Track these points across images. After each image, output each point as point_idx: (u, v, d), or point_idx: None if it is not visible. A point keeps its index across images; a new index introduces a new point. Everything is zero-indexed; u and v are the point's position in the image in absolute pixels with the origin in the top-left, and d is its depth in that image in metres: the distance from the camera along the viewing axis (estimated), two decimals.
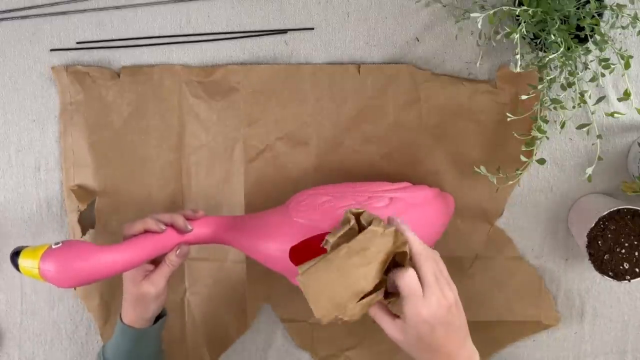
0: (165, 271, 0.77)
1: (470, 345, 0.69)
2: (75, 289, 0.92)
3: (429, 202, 0.81)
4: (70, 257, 0.69)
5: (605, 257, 0.81)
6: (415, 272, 0.65)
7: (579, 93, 0.79)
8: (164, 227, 0.75)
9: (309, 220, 0.75)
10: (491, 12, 0.76)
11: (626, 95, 0.78)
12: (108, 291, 0.92)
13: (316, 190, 0.79)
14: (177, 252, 0.76)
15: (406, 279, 0.64)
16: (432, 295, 0.64)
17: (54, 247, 0.70)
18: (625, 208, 0.80)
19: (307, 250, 0.73)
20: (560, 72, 0.78)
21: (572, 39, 0.76)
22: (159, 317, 0.82)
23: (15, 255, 0.70)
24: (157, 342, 0.82)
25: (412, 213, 0.77)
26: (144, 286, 0.76)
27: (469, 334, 0.69)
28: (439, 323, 0.65)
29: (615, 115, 0.81)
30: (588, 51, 0.78)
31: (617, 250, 0.81)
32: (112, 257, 0.71)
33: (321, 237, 0.72)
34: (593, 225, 0.80)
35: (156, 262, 0.78)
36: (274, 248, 0.75)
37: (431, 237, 0.81)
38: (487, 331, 0.91)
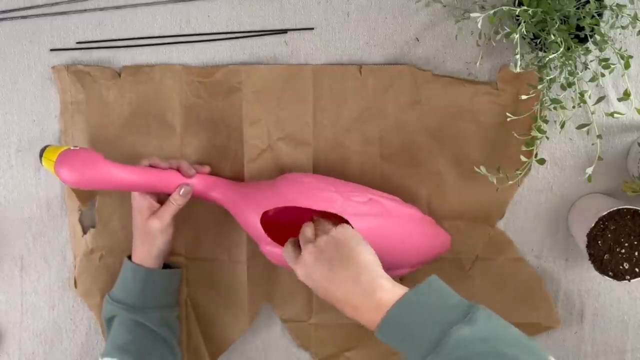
0: (171, 208, 0.83)
1: (366, 279, 0.65)
2: (76, 286, 0.92)
3: (411, 220, 0.83)
4: (82, 162, 0.77)
5: (605, 257, 0.81)
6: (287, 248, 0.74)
7: (579, 93, 0.79)
8: (167, 165, 0.83)
9: (288, 192, 0.79)
10: (491, 12, 0.76)
11: (626, 95, 0.78)
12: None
13: (305, 174, 0.85)
14: (181, 191, 0.82)
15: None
16: (301, 257, 0.71)
17: (72, 149, 0.78)
18: (625, 208, 0.80)
19: (277, 218, 0.81)
20: (560, 72, 0.78)
21: (572, 39, 0.77)
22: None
23: (42, 150, 0.79)
24: (168, 291, 0.87)
25: (385, 219, 0.80)
26: (151, 220, 0.83)
27: (367, 269, 0.66)
28: (314, 273, 0.69)
29: (615, 115, 0.81)
30: (588, 51, 0.78)
31: (617, 250, 0.81)
32: (119, 173, 0.78)
33: (291, 209, 0.79)
34: (593, 225, 0.80)
35: (162, 203, 0.84)
36: (254, 212, 0.80)
37: (400, 253, 0.82)
38: None
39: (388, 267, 0.81)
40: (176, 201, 0.82)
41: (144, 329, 0.83)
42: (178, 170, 0.83)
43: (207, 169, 0.86)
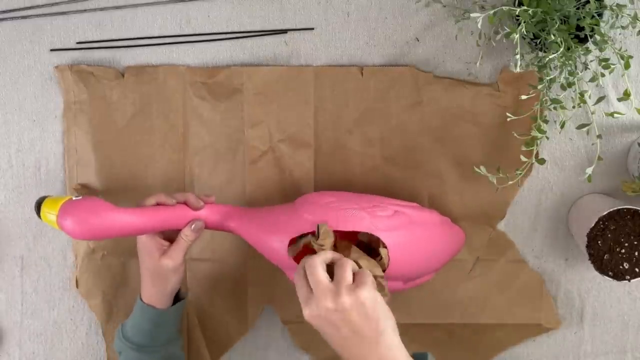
0: (182, 245, 0.79)
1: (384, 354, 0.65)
2: (77, 286, 0.92)
3: (434, 225, 0.82)
4: (86, 212, 0.73)
5: (605, 257, 0.81)
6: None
7: (579, 93, 0.79)
8: (174, 201, 0.79)
9: (312, 216, 0.75)
10: (491, 12, 0.76)
11: (626, 95, 0.78)
12: (110, 290, 0.92)
13: (323, 193, 0.81)
14: (192, 226, 0.79)
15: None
16: (316, 301, 0.65)
17: (74, 199, 0.74)
18: (625, 208, 0.80)
19: (304, 244, 0.76)
20: (560, 72, 0.78)
21: (572, 39, 0.77)
22: (177, 301, 0.84)
23: (39, 204, 0.75)
24: (176, 323, 0.84)
25: (413, 229, 0.78)
26: (163, 260, 0.79)
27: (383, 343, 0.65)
28: (329, 326, 0.65)
29: (615, 115, 0.81)
30: (588, 51, 0.78)
31: (617, 250, 0.81)
32: (126, 218, 0.75)
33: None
34: (593, 225, 0.80)
35: (170, 240, 0.81)
36: (279, 240, 0.76)
37: (430, 259, 0.82)
38: (487, 334, 0.91)
39: (415, 277, 0.80)
40: (187, 237, 0.79)
41: None
42: (185, 204, 0.79)
43: (212, 198, 0.82)
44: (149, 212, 0.77)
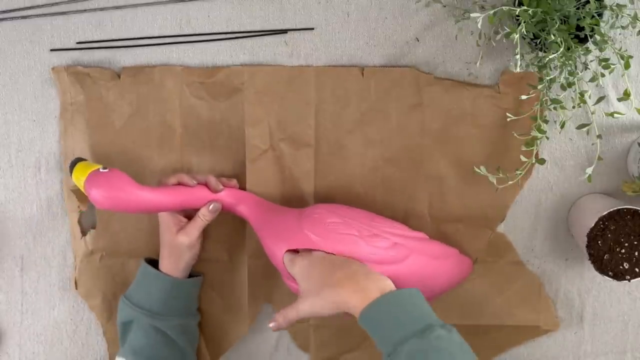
0: (199, 223, 0.84)
1: (369, 270, 0.75)
2: (76, 287, 0.92)
3: (435, 258, 0.82)
4: (111, 186, 0.77)
5: (605, 257, 0.81)
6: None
7: (579, 93, 0.79)
8: (195, 182, 0.83)
9: (312, 233, 0.78)
10: (491, 12, 0.76)
11: (626, 95, 0.78)
12: (110, 290, 0.92)
13: (332, 208, 0.82)
14: (210, 207, 0.83)
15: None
16: (308, 252, 0.77)
17: (101, 170, 0.78)
18: (625, 208, 0.80)
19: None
20: (560, 72, 0.78)
21: (572, 39, 0.77)
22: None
23: (73, 164, 0.81)
24: (191, 299, 0.88)
25: (409, 264, 0.79)
26: (179, 236, 0.84)
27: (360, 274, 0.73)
28: (319, 260, 0.76)
29: (615, 115, 0.81)
30: (588, 51, 0.78)
31: (617, 250, 0.81)
32: (147, 195, 0.79)
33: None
34: (593, 225, 0.80)
35: (190, 218, 0.85)
36: (277, 247, 0.79)
37: (431, 290, 0.82)
38: (486, 335, 0.91)
39: None
40: (205, 217, 0.83)
41: (162, 336, 0.84)
42: (206, 185, 0.83)
43: (234, 182, 0.87)
44: (170, 191, 0.81)
